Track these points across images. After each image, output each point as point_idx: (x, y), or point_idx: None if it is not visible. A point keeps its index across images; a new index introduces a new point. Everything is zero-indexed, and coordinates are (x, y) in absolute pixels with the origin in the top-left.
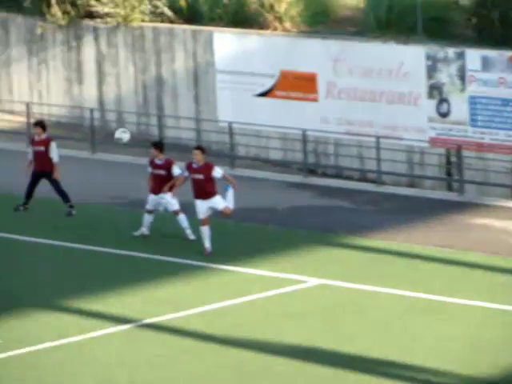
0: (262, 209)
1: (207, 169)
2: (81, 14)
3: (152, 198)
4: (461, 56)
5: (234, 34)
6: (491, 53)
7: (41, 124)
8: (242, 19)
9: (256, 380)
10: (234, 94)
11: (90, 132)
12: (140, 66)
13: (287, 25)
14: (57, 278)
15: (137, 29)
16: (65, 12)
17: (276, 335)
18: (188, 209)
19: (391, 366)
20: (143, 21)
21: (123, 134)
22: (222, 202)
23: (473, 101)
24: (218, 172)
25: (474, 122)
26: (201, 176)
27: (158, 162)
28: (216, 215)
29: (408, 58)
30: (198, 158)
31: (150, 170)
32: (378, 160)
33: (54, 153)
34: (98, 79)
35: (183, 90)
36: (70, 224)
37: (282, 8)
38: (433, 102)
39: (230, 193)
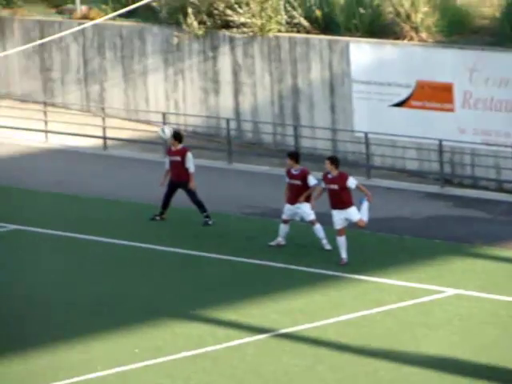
0: (398, 219)
1: (342, 179)
2: (217, 25)
3: (288, 207)
4: None
5: (370, 44)
6: None
7: (176, 135)
8: (378, 29)
9: None
10: (369, 104)
11: (227, 142)
12: (276, 76)
13: (423, 35)
14: (193, 287)
15: (273, 39)
16: (201, 22)
17: (412, 345)
18: (323, 219)
19: None
20: (279, 31)
21: (165, 131)
22: (356, 213)
23: None
24: (352, 182)
25: None
26: (335, 186)
27: (293, 172)
28: (352, 226)
29: None
30: (329, 168)
31: (286, 179)
32: None
33: (191, 163)
34: (234, 89)
35: (319, 99)
36: (206, 234)
37: (418, 18)
38: None
39: (365, 205)
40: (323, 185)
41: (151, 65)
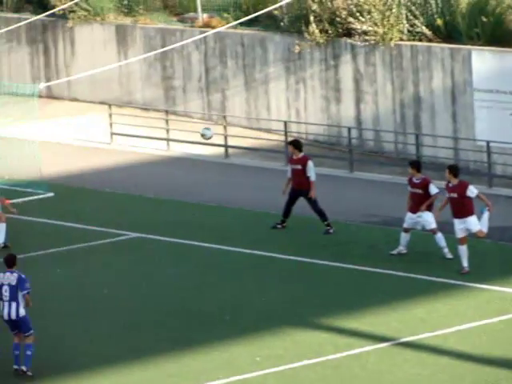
0: None
1: (462, 188)
2: (338, 33)
3: (409, 216)
4: None
5: (493, 53)
6: None
7: (294, 143)
8: (500, 37)
9: None
10: (491, 113)
11: (348, 150)
12: (397, 85)
13: None
14: (313, 295)
15: (394, 47)
16: (322, 30)
17: None
18: (445, 227)
19: None
20: (401, 39)
21: (207, 132)
22: (476, 223)
23: None
24: (472, 191)
25: None
26: (455, 195)
27: (415, 180)
28: (472, 235)
29: None
30: (448, 177)
31: (408, 188)
32: None
33: (312, 171)
34: (356, 98)
35: (440, 108)
36: (327, 242)
37: None
38: None
39: (486, 216)
40: (447, 194)
41: (273, 73)
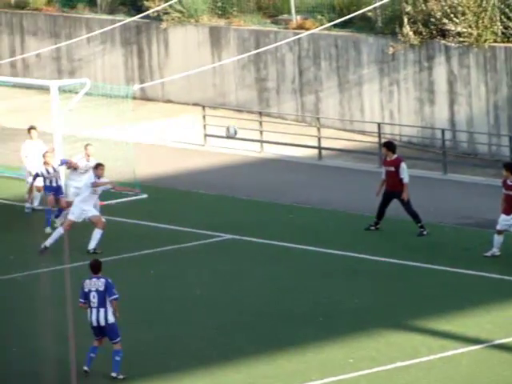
0: None
1: None
2: (433, 34)
3: (503, 218)
4: None
5: None
6: None
7: (387, 145)
8: None
9: None
10: None
11: (442, 152)
12: (491, 87)
13: None
14: (406, 297)
15: (488, 49)
16: (416, 32)
17: None
18: None
19: None
20: (495, 41)
21: (231, 130)
22: None
23: None
24: None
25: None
26: None
27: (509, 182)
28: None
29: None
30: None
31: (502, 190)
32: None
33: (405, 173)
34: (450, 99)
35: None
36: (421, 244)
37: None
38: None
39: None
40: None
41: (366, 75)
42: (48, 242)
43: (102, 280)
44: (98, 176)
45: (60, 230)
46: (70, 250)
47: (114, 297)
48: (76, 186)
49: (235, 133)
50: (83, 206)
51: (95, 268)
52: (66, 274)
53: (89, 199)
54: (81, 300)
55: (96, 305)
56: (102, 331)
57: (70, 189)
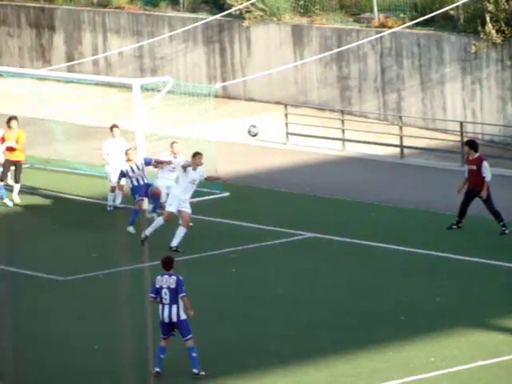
0: None
1: None
2: None
3: None
4: None
5: None
6: None
7: (469, 143)
8: None
9: None
10: None
11: None
12: None
13: None
14: (488, 296)
15: None
16: (499, 30)
17: None
18: None
19: None
20: None
21: (252, 129)
22: None
23: None
24: None
25: None
26: None
27: None
28: None
29: None
30: None
31: None
32: None
33: (487, 172)
34: None
35: None
36: (503, 243)
37: None
38: None
39: None
40: None
41: (448, 73)
42: (148, 231)
43: (174, 277)
44: (197, 164)
45: (160, 220)
46: (150, 248)
47: (183, 294)
48: (167, 185)
49: (255, 134)
50: (181, 196)
51: (167, 265)
52: (145, 273)
53: (187, 190)
54: (151, 295)
55: (168, 301)
56: (171, 328)
57: (161, 188)
